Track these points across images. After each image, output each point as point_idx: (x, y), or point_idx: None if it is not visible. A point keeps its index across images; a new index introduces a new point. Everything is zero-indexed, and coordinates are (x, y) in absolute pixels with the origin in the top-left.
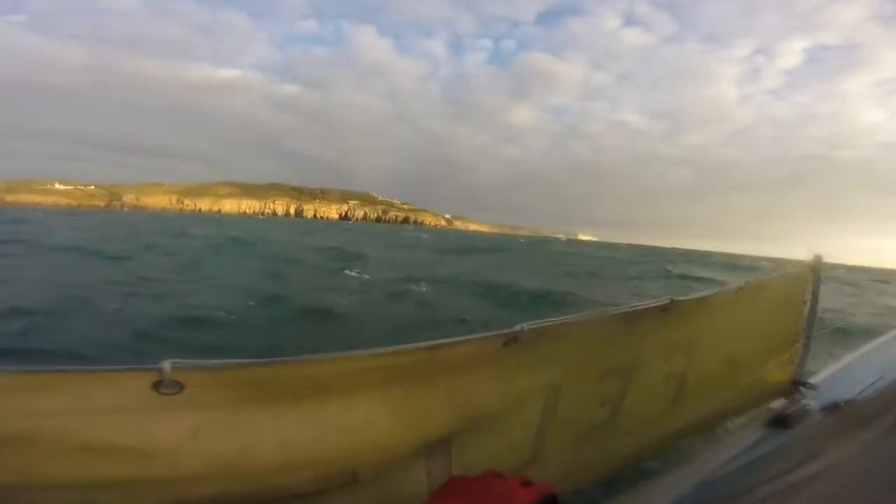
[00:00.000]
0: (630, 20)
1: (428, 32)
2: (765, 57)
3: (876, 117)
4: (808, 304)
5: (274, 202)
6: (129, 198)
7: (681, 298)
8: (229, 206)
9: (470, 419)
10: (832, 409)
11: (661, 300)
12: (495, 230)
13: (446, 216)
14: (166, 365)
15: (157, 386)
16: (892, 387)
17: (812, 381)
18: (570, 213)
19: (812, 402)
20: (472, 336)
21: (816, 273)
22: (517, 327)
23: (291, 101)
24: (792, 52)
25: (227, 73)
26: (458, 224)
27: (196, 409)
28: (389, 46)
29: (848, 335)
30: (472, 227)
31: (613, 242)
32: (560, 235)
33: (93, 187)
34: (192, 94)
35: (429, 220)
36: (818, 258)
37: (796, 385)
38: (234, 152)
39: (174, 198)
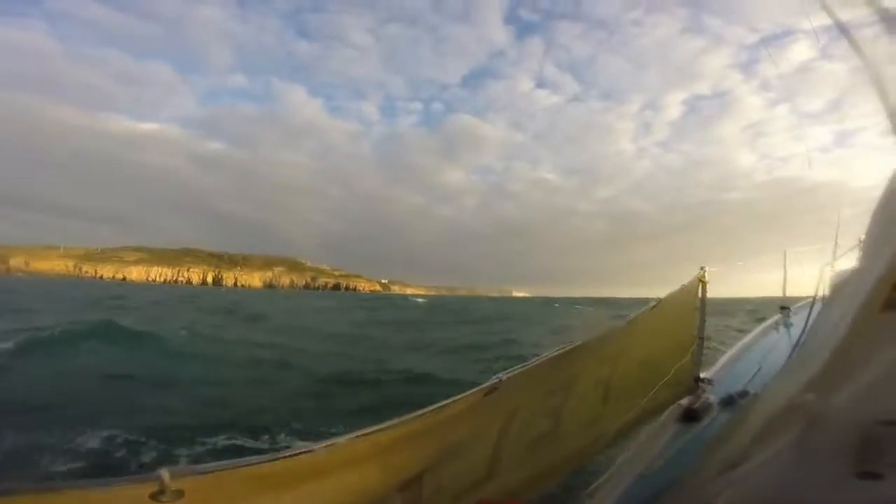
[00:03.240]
0: (541, 82)
1: (360, 94)
2: (652, 111)
3: (749, 160)
4: (699, 310)
5: (189, 270)
6: (16, 261)
7: (614, 327)
8: (136, 273)
9: (443, 453)
10: (728, 402)
11: (596, 333)
12: (432, 292)
13: (382, 281)
14: (164, 473)
15: (156, 496)
16: (771, 377)
17: (709, 375)
18: (504, 270)
19: (711, 395)
20: (460, 395)
21: (703, 283)
22: (495, 378)
23: (216, 158)
24: (674, 104)
25: (146, 127)
26: (396, 288)
27: None
28: (321, 106)
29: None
30: (409, 290)
31: (545, 297)
32: (495, 293)
33: None
34: (105, 146)
35: (362, 285)
36: (703, 270)
37: (697, 381)
38: (149, 213)
39: (71, 263)
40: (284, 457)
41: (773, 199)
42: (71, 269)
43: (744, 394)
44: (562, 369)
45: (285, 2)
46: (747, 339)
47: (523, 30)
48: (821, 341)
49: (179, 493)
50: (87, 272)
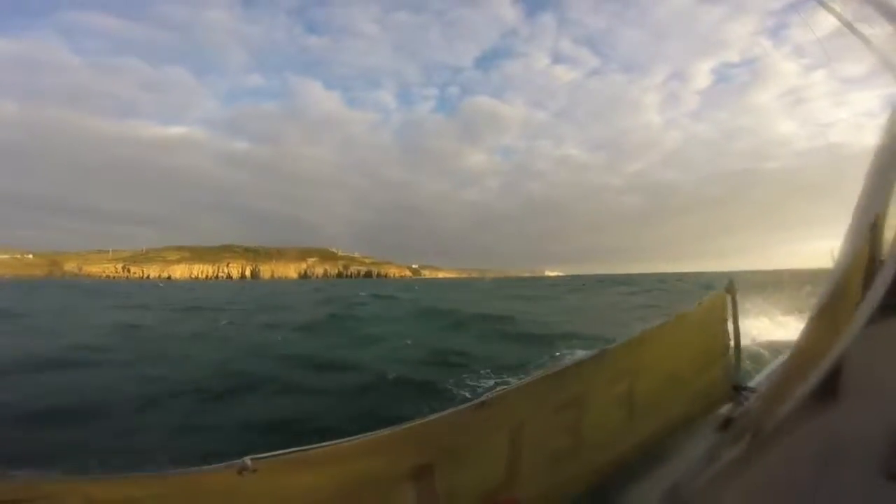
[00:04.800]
0: (557, 58)
1: (375, 83)
2: (678, 81)
3: (788, 128)
4: (731, 321)
5: (228, 265)
6: (70, 266)
7: (611, 347)
8: (180, 272)
9: (451, 453)
10: (768, 409)
11: (595, 351)
12: (463, 275)
13: (413, 266)
14: (247, 459)
15: (240, 473)
16: (782, 380)
17: (751, 384)
18: (535, 251)
19: (753, 403)
20: (450, 410)
21: (733, 295)
22: (484, 396)
23: (242, 156)
24: (701, 73)
25: (174, 131)
26: (426, 273)
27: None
28: (338, 98)
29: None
30: (441, 274)
31: (578, 275)
32: (526, 274)
33: (31, 256)
34: (138, 152)
35: (393, 271)
36: (732, 283)
37: (737, 390)
38: (184, 214)
39: (120, 265)
40: (324, 446)
41: (816, 166)
42: (120, 271)
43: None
44: (568, 386)
45: None
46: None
47: (533, 6)
48: (812, 342)
49: (255, 471)
50: (134, 273)
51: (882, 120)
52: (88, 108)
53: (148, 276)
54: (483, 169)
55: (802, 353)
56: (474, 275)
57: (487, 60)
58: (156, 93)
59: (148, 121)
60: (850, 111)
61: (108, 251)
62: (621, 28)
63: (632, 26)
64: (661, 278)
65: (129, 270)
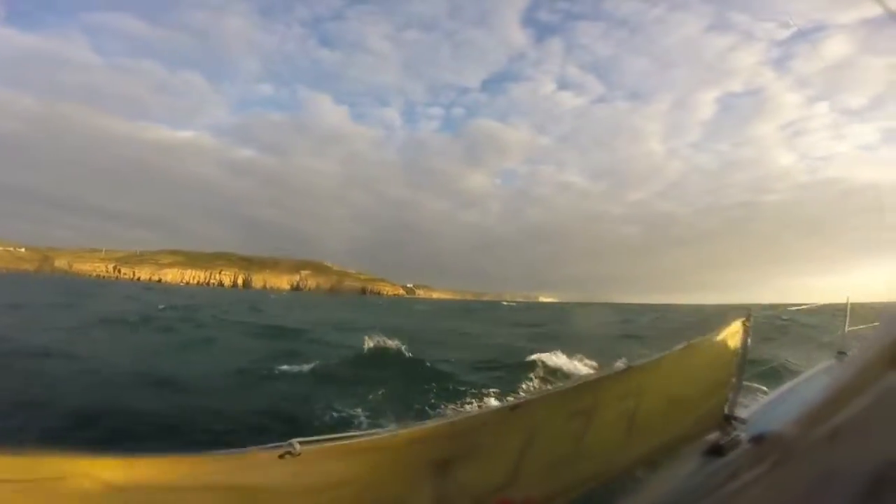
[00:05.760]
0: (563, 84)
1: (382, 101)
2: (682, 111)
3: (787, 160)
4: (740, 353)
5: (220, 272)
6: (60, 262)
7: (632, 364)
8: (171, 275)
9: (470, 450)
10: (759, 439)
11: (619, 367)
12: (458, 297)
13: (408, 285)
14: (295, 441)
15: (282, 456)
16: (807, 418)
17: (743, 415)
18: (531, 275)
19: (742, 433)
20: (488, 408)
21: (747, 328)
22: (521, 397)
23: (247, 165)
24: (705, 103)
25: (182, 135)
26: (421, 293)
27: (311, 466)
28: (345, 113)
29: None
30: (436, 294)
31: (569, 302)
32: (521, 299)
33: (23, 249)
34: (144, 153)
35: (387, 289)
36: (749, 315)
37: (728, 419)
38: (183, 218)
39: (111, 265)
40: (359, 435)
41: (815, 201)
42: (111, 270)
43: (774, 434)
44: (583, 397)
45: (305, 11)
46: (794, 381)
47: (542, 31)
48: (843, 389)
49: (298, 454)
50: (125, 274)
51: (880, 154)
52: (101, 107)
53: (139, 278)
54: (485, 191)
55: (830, 396)
56: (469, 297)
57: (494, 83)
58: (169, 96)
59: (158, 123)
60: (848, 144)
61: (101, 250)
62: (628, 55)
63: (639, 54)
64: (642, 310)
65: (119, 271)
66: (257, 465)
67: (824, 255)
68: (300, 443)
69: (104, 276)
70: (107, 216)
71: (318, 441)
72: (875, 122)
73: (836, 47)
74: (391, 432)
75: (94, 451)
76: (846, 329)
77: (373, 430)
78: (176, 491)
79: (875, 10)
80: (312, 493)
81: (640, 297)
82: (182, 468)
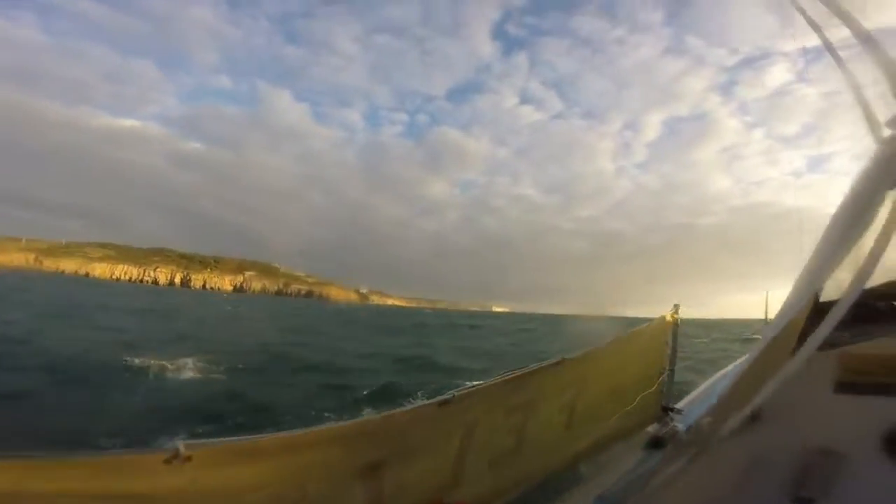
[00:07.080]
0: (525, 98)
1: (345, 102)
2: (632, 131)
3: (725, 183)
4: (670, 345)
5: (156, 269)
6: None
7: (569, 357)
8: (100, 270)
9: (401, 451)
10: (692, 430)
11: (554, 359)
12: (412, 304)
13: (361, 290)
14: (179, 443)
15: (168, 461)
16: (720, 406)
17: (679, 405)
18: (486, 285)
19: (679, 424)
20: (416, 404)
21: (675, 320)
22: (449, 394)
23: (194, 158)
24: (653, 125)
25: (126, 123)
26: (375, 298)
27: (199, 471)
28: (305, 111)
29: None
30: (390, 301)
31: (524, 313)
32: (475, 308)
33: None
34: (83, 141)
35: (337, 293)
36: (676, 308)
37: (665, 410)
38: (121, 211)
39: (32, 256)
40: (271, 436)
41: (746, 224)
42: (31, 262)
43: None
44: (521, 390)
45: (276, 6)
46: (724, 370)
47: (511, 44)
48: (753, 373)
49: (188, 459)
50: (47, 266)
51: (806, 179)
52: (40, 91)
53: (63, 271)
54: (443, 199)
55: (740, 382)
56: (423, 304)
57: (460, 93)
58: (116, 83)
59: (100, 110)
60: (779, 170)
61: (21, 240)
62: (588, 74)
63: (598, 73)
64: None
65: (41, 262)
66: (140, 471)
67: (756, 273)
68: (187, 445)
69: (23, 268)
70: (32, 205)
71: (213, 443)
72: (804, 149)
73: (777, 75)
74: (310, 431)
75: None
76: (766, 319)
77: (287, 431)
78: (35, 500)
79: (815, 40)
80: (210, 501)
81: (593, 310)
82: (40, 473)
